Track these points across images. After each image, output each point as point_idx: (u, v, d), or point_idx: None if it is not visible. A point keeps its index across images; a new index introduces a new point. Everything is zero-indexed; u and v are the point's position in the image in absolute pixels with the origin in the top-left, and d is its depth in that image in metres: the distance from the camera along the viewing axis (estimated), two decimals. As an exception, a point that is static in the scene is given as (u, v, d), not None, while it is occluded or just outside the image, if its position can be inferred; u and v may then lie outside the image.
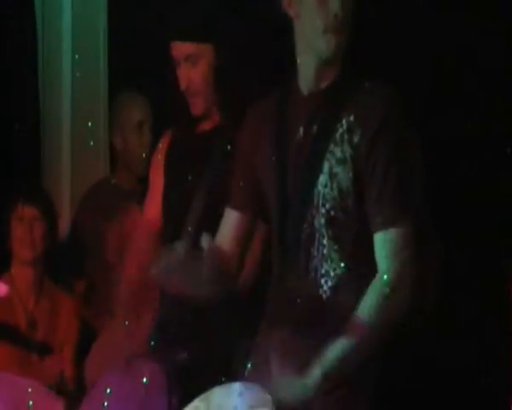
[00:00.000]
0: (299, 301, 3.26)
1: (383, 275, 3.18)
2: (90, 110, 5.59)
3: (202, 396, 3.22)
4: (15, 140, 5.45)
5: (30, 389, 4.26)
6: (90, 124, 5.47)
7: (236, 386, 3.17)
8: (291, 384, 3.12)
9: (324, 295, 3.22)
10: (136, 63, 5.30)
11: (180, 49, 4.06)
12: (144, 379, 3.77)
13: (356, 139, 3.23)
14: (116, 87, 5.56)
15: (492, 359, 4.41)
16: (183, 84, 3.93)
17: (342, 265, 3.25)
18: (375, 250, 3.22)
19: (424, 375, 4.39)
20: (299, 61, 3.35)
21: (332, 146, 3.25)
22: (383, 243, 3.20)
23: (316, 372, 3.09)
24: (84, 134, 5.53)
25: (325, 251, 3.26)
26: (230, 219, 3.46)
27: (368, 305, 3.13)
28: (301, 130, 3.32)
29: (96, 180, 5.50)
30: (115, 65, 5.69)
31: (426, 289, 3.63)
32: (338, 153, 3.24)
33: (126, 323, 4.21)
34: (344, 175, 3.23)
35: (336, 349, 3.11)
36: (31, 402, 4.27)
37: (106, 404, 3.77)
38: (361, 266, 3.23)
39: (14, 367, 4.69)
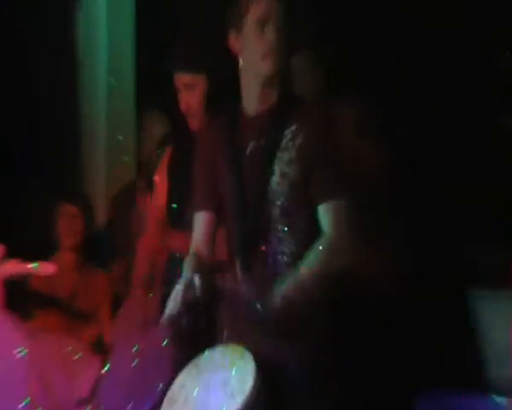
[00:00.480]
0: (262, 277, 3.49)
1: (327, 233, 3.46)
2: (121, 127, 5.88)
3: (193, 361, 3.38)
4: (61, 151, 5.83)
5: (73, 347, 4.43)
6: (120, 138, 5.74)
7: (219, 348, 3.34)
8: (259, 306, 3.32)
9: (281, 272, 3.47)
10: (158, 88, 5.32)
11: (180, 79, 4.43)
12: (165, 341, 3.79)
13: (299, 143, 3.51)
14: (142, 107, 5.86)
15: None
16: (183, 107, 4.32)
17: (295, 245, 3.52)
18: (321, 219, 3.49)
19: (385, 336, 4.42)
20: (244, 89, 3.62)
21: (279, 153, 3.53)
22: (325, 212, 3.48)
23: (276, 295, 3.30)
24: (117, 148, 5.82)
25: (281, 235, 3.53)
26: (202, 221, 3.70)
27: (312, 253, 3.41)
28: (251, 144, 3.58)
29: (125, 184, 5.77)
30: (142, 90, 6.03)
31: (387, 275, 4.16)
32: (286, 156, 3.52)
33: (150, 295, 4.51)
34: (293, 173, 3.50)
35: (290, 282, 3.35)
36: (75, 357, 4.54)
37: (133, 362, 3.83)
38: (310, 245, 3.47)
39: (61, 330, 5.01)
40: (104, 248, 5.61)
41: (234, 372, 3.26)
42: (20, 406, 4.28)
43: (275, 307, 3.32)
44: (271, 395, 3.24)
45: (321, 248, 3.44)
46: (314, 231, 3.50)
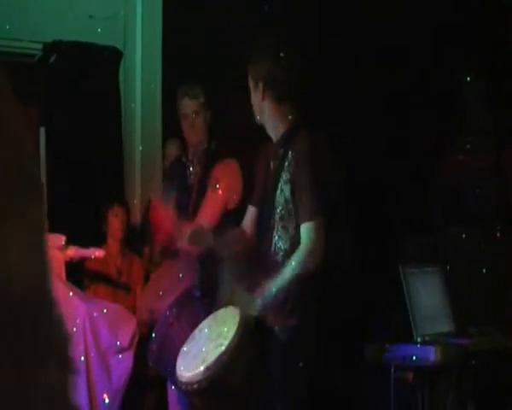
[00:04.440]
0: (267, 262, 3.55)
1: (303, 246, 3.44)
2: (151, 153, 5.85)
3: (211, 316, 3.56)
4: (110, 170, 5.78)
5: (116, 308, 4.76)
6: (140, 148, 5.79)
7: (227, 309, 3.51)
8: (253, 299, 3.44)
9: (279, 260, 3.54)
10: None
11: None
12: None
13: (292, 169, 3.48)
14: (166, 133, 5.79)
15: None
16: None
17: (288, 243, 3.52)
18: (301, 234, 3.45)
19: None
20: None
21: (282, 173, 3.52)
22: (304, 230, 3.45)
23: (267, 290, 3.42)
24: (150, 168, 5.81)
25: (280, 234, 3.53)
26: (249, 210, 3.74)
27: (293, 261, 3.43)
28: (271, 164, 3.63)
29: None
30: (166, 118, 5.84)
31: (341, 257, 3.98)
32: (284, 176, 3.50)
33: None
34: (287, 190, 3.49)
35: (278, 280, 3.43)
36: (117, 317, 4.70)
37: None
38: (297, 244, 3.48)
39: (109, 299, 5.12)
40: (137, 238, 5.57)
41: (226, 328, 3.41)
42: (79, 356, 4.33)
43: (266, 299, 3.43)
44: (256, 345, 3.43)
45: (299, 256, 3.43)
46: (299, 236, 3.49)
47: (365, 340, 4.28)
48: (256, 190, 3.73)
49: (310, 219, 3.44)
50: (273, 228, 3.55)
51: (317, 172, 3.47)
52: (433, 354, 4.08)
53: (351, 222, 4.01)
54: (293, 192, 3.49)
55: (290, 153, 3.51)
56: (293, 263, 3.43)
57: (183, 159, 4.70)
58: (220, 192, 4.41)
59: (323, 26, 5.41)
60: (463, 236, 4.84)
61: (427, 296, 4.38)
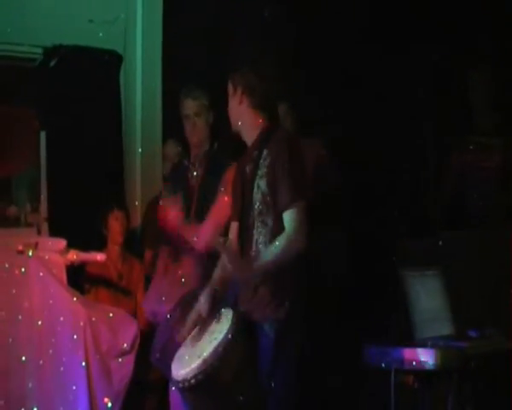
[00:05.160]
0: (252, 253, 3.64)
1: (285, 231, 3.53)
2: (152, 157, 5.86)
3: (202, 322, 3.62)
4: (112, 173, 5.84)
5: (117, 312, 4.75)
6: (140, 150, 5.78)
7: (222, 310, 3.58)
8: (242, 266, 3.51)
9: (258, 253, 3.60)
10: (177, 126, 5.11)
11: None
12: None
13: (267, 163, 3.59)
14: (166, 136, 5.78)
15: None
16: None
17: (267, 235, 3.61)
18: (284, 221, 3.56)
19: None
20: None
21: (258, 171, 3.62)
22: (286, 219, 3.54)
23: (255, 263, 3.52)
24: (150, 171, 5.83)
25: (259, 229, 3.63)
26: (232, 227, 3.82)
27: (276, 241, 3.52)
28: (247, 168, 3.71)
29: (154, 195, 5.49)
30: (166, 121, 5.88)
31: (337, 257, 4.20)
32: (260, 173, 3.60)
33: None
34: (263, 185, 3.60)
35: (264, 257, 3.51)
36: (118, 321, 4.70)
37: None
38: (277, 236, 3.56)
39: (110, 302, 5.14)
40: (137, 242, 5.59)
41: (219, 326, 3.49)
42: (80, 361, 4.36)
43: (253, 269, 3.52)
44: (247, 341, 3.48)
45: (282, 240, 3.53)
46: (279, 227, 3.58)
47: (365, 343, 4.28)
48: (235, 204, 3.79)
49: (289, 207, 3.53)
50: (253, 226, 3.63)
51: (293, 162, 3.56)
52: (433, 357, 4.09)
53: (350, 224, 4.21)
54: (269, 184, 3.58)
55: (265, 151, 3.61)
56: (276, 243, 3.51)
57: (185, 162, 4.67)
58: (226, 196, 4.36)
59: (324, 26, 5.49)
60: (464, 237, 4.81)
61: (427, 299, 4.39)
